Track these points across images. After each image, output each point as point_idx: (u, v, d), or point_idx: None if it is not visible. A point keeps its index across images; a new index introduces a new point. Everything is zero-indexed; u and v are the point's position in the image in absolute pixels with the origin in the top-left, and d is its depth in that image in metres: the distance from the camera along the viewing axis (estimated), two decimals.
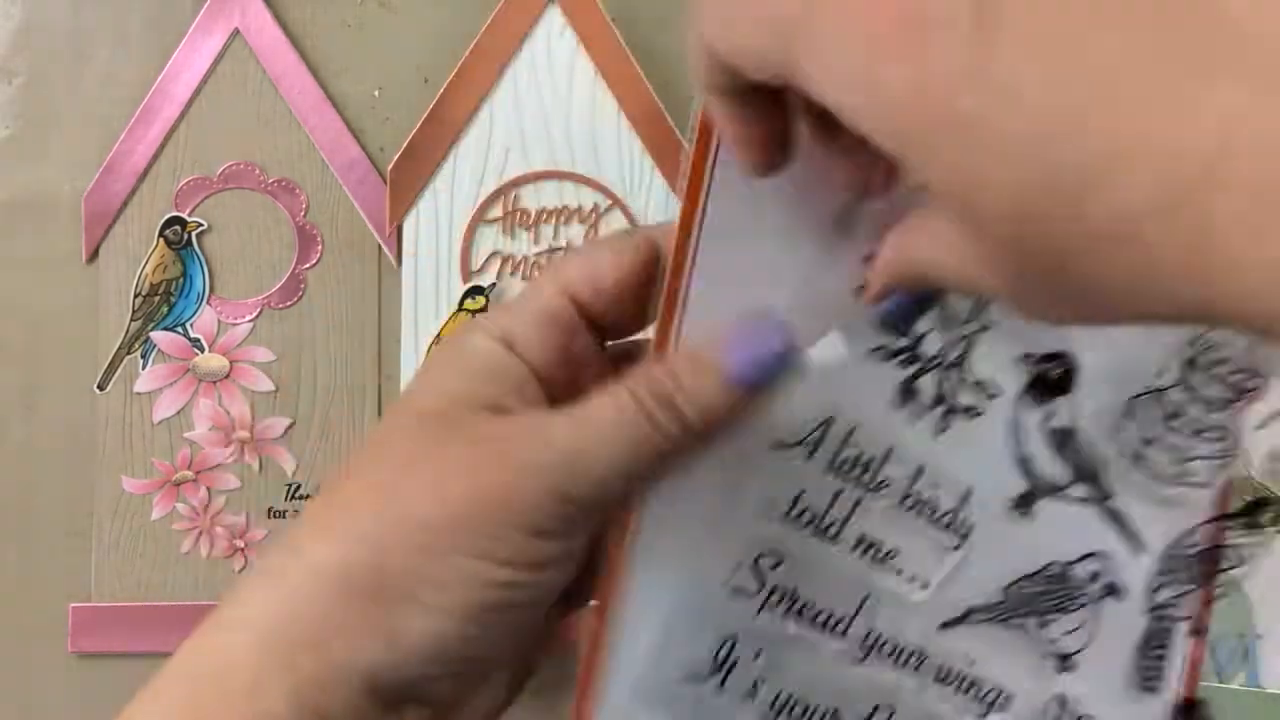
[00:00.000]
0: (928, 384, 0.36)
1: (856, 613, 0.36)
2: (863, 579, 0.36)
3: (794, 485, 0.35)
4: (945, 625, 0.37)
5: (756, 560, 0.35)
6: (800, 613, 0.36)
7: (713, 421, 0.30)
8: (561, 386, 0.32)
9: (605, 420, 0.30)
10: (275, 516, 0.56)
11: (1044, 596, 0.38)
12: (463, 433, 0.30)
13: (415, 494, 0.30)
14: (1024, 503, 0.37)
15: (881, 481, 0.36)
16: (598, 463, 0.30)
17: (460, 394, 0.31)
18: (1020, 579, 0.38)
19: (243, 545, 0.55)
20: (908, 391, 0.36)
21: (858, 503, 0.35)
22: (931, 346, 0.36)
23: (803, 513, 0.35)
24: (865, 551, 0.36)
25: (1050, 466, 0.37)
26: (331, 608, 0.29)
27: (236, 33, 0.56)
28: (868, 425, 0.35)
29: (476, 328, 0.33)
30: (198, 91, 0.56)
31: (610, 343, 0.35)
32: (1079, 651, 0.39)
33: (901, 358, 0.35)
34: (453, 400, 0.31)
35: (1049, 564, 0.38)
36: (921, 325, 0.35)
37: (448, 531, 0.29)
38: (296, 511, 0.56)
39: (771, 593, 0.35)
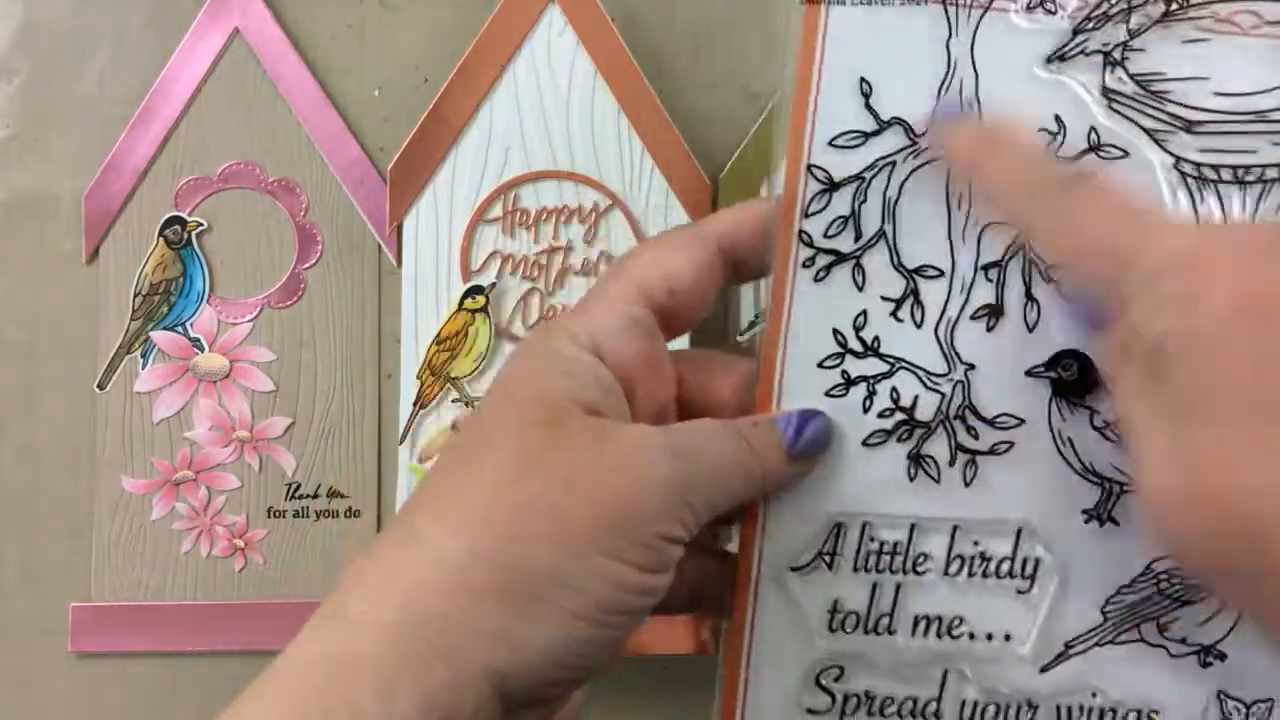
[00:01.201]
0: (939, 446, 0.35)
1: (941, 691, 0.36)
2: (937, 657, 0.36)
3: (825, 599, 0.35)
4: (1045, 668, 0.36)
5: (818, 679, 0.36)
6: (882, 712, 0.36)
7: (785, 476, 0.34)
8: (639, 389, 0.33)
9: (720, 441, 0.33)
10: (275, 516, 0.56)
11: (1150, 602, 0.36)
12: (581, 434, 0.31)
13: (552, 491, 0.30)
14: (1100, 511, 0.35)
15: (918, 558, 0.35)
16: (714, 479, 0.32)
17: (559, 396, 0.31)
18: (1117, 592, 0.36)
19: (243, 545, 0.55)
20: (917, 461, 0.36)
21: (899, 588, 0.35)
22: (927, 410, 0.35)
23: (844, 620, 0.36)
24: (928, 631, 0.36)
25: (1116, 461, 0.35)
26: (461, 607, 0.28)
27: (236, 32, 0.56)
28: (882, 512, 0.35)
29: (562, 333, 0.33)
30: (198, 91, 0.56)
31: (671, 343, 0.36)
32: (1223, 639, 0.36)
33: (899, 434, 0.35)
34: (553, 402, 0.31)
35: (1147, 566, 0.36)
36: (907, 390, 0.36)
37: (589, 529, 0.29)
38: (297, 512, 0.56)
39: (845, 702, 0.36)
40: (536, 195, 0.53)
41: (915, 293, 0.35)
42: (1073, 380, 0.35)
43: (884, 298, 0.36)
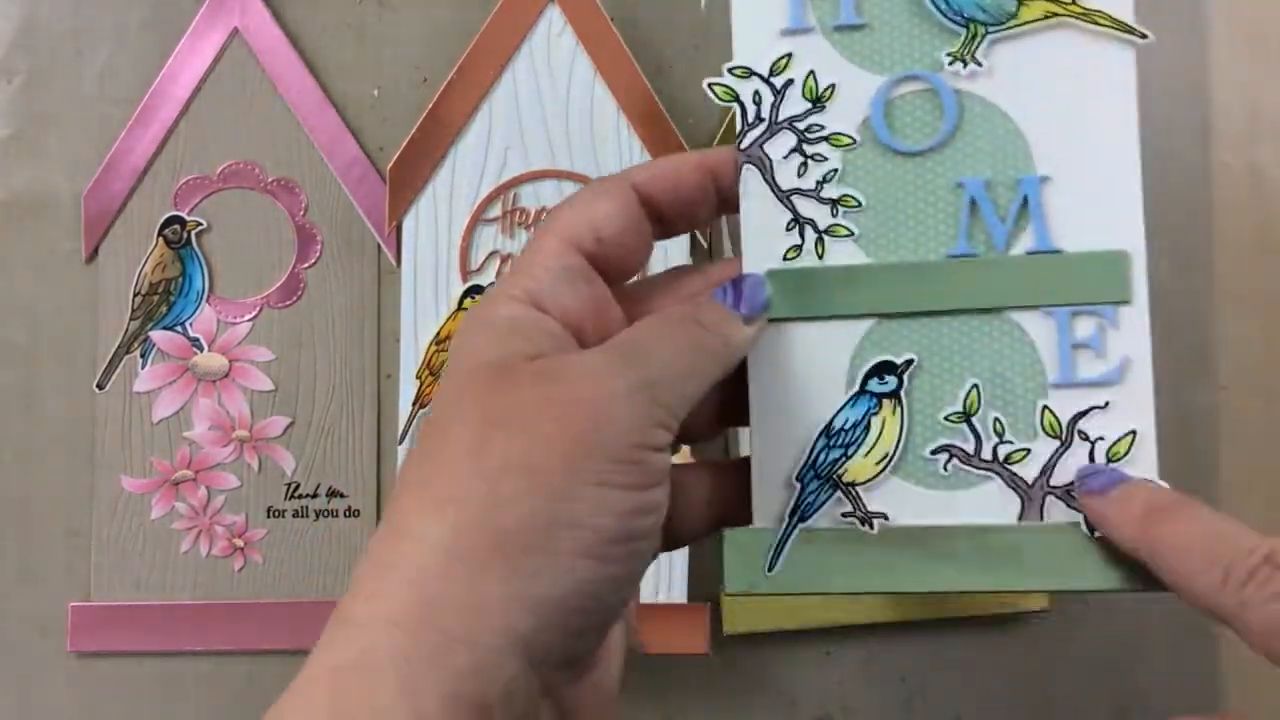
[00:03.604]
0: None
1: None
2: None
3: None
4: None
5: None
6: None
7: (743, 341, 0.34)
8: (590, 334, 0.33)
9: (667, 332, 0.32)
10: (274, 515, 0.56)
11: None
12: (533, 378, 0.30)
13: (515, 444, 0.29)
14: None
15: None
16: (672, 366, 0.31)
17: (507, 353, 0.31)
18: None
19: (242, 545, 0.55)
20: None
21: None
22: None
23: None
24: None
25: None
26: (468, 586, 0.28)
27: (236, 32, 0.56)
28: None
29: (501, 295, 0.33)
30: (197, 91, 0.56)
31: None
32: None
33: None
34: (501, 362, 0.31)
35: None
36: None
37: (563, 467, 0.29)
38: (296, 512, 0.56)
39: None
40: (536, 195, 0.53)
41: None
42: None
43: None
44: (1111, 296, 0.34)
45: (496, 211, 0.53)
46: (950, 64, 0.35)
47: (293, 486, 0.56)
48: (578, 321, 0.33)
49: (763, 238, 0.36)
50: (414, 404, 0.53)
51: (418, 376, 0.53)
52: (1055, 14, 0.34)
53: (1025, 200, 0.34)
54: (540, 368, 0.31)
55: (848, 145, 0.35)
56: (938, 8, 0.35)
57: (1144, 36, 0.34)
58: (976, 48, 0.35)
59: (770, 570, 0.35)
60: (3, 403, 0.56)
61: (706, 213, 0.37)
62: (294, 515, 0.56)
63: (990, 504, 0.34)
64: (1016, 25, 0.35)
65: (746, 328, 0.34)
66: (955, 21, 0.35)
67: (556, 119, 0.53)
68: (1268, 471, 0.56)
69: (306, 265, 0.56)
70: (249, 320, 0.56)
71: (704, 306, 0.34)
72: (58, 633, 0.55)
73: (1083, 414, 0.34)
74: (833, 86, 0.36)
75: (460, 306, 0.52)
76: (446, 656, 0.27)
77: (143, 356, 0.56)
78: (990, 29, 0.35)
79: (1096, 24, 0.34)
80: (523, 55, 0.53)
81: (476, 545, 0.28)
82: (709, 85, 0.36)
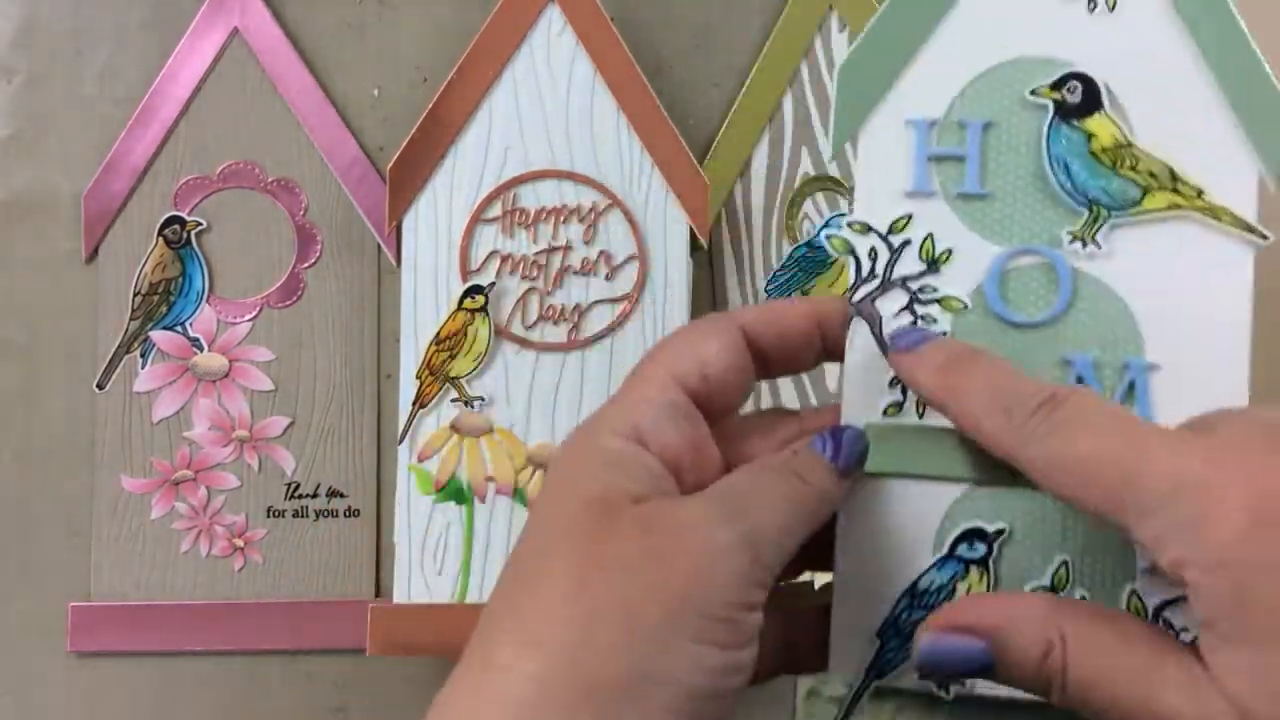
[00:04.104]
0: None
1: None
2: None
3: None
4: None
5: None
6: None
7: (839, 494, 0.34)
8: (688, 473, 0.33)
9: (767, 484, 0.32)
10: (274, 516, 0.56)
11: None
12: (633, 525, 0.30)
13: (615, 592, 0.29)
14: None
15: None
16: (774, 522, 0.31)
17: (604, 492, 0.31)
18: None
19: (242, 544, 0.55)
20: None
21: None
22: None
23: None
24: None
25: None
26: None
27: (236, 32, 0.56)
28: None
29: (603, 426, 0.33)
30: (197, 91, 0.56)
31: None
32: None
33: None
34: (602, 499, 0.31)
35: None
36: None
37: (661, 620, 0.28)
38: (296, 512, 0.56)
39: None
40: (535, 195, 0.53)
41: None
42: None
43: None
44: None
45: (496, 211, 0.53)
46: (1070, 242, 0.35)
47: (293, 486, 0.56)
48: (676, 459, 0.33)
49: (865, 391, 0.36)
50: (414, 404, 0.53)
51: (418, 376, 0.53)
52: (1179, 205, 0.35)
53: (1131, 385, 0.35)
54: (644, 514, 0.30)
55: (959, 310, 0.36)
56: (1062, 187, 0.35)
57: (1265, 238, 0.34)
58: (1098, 230, 0.35)
59: None
60: (3, 403, 0.56)
61: (810, 359, 0.37)
62: (294, 515, 0.56)
63: None
64: (1140, 212, 0.35)
65: (843, 480, 0.34)
66: (1078, 201, 0.35)
67: (556, 119, 0.53)
68: None
69: (306, 265, 0.56)
70: (249, 320, 0.56)
71: (803, 458, 0.33)
72: (58, 633, 0.55)
73: (1170, 602, 0.33)
74: (949, 251, 0.36)
75: (460, 306, 0.52)
76: None
77: (143, 356, 0.56)
78: (1114, 213, 0.35)
79: (1219, 220, 0.35)
80: (523, 55, 0.53)
81: (568, 693, 0.28)
82: (826, 238, 0.37)
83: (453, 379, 0.53)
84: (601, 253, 0.53)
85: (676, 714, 0.28)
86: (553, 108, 0.53)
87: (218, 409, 0.56)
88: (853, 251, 0.36)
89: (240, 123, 0.56)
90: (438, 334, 0.53)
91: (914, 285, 0.36)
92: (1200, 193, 0.35)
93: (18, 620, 0.56)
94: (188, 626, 0.55)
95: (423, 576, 0.52)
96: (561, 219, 0.53)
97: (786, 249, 0.56)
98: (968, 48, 0.36)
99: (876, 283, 0.36)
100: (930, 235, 0.36)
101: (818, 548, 0.35)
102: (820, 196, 0.56)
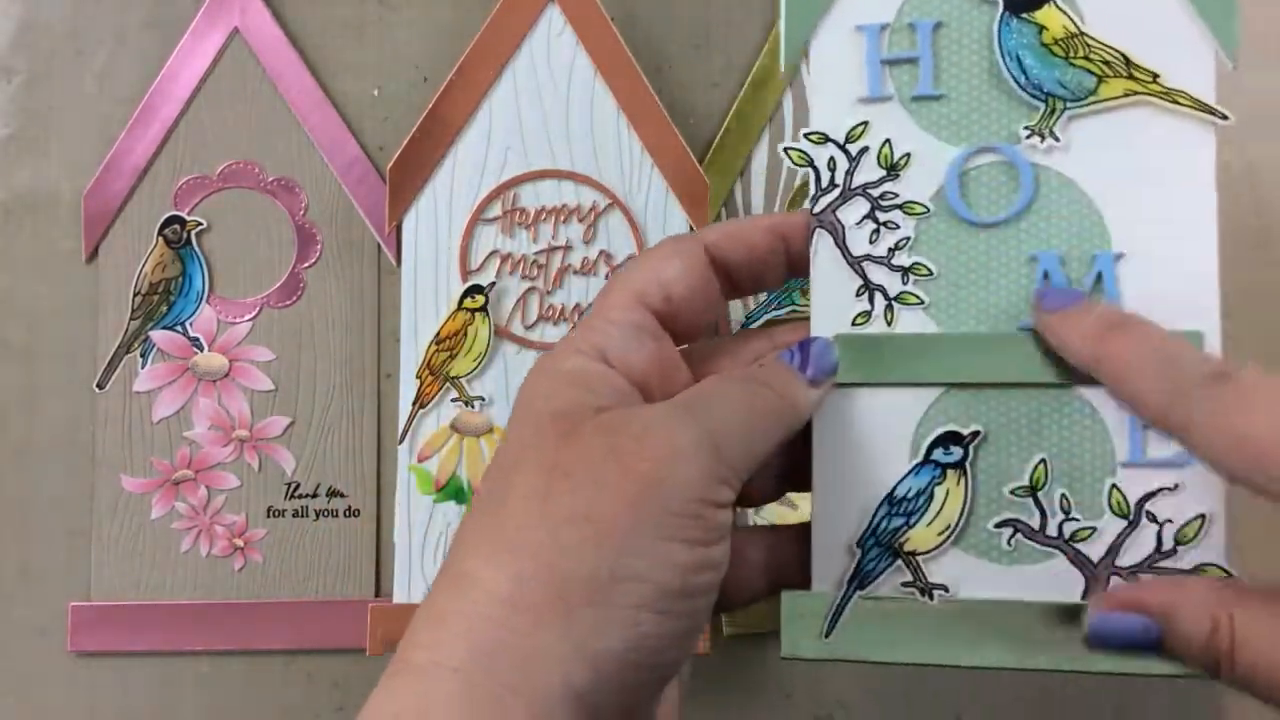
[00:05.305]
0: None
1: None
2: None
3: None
4: None
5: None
6: None
7: (809, 403, 0.35)
8: (655, 391, 0.34)
9: (733, 391, 0.32)
10: (275, 515, 0.56)
11: None
12: (598, 429, 0.30)
13: (580, 495, 0.29)
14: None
15: None
16: (737, 424, 0.31)
17: (573, 404, 0.31)
18: None
19: (242, 544, 0.55)
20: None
21: None
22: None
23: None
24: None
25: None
26: (525, 635, 0.28)
27: (236, 32, 0.56)
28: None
29: (568, 348, 0.33)
30: (197, 91, 0.56)
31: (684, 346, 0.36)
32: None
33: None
34: (566, 413, 0.31)
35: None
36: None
37: (628, 520, 0.29)
38: (296, 512, 0.56)
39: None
40: (536, 194, 0.53)
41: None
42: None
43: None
44: None
45: (496, 211, 0.53)
46: (1028, 137, 0.35)
47: (293, 486, 0.56)
48: (644, 378, 0.33)
49: (832, 302, 0.36)
50: (414, 404, 0.53)
51: (418, 376, 0.53)
52: (1135, 92, 0.35)
53: (1100, 276, 0.34)
54: (606, 420, 0.31)
55: (921, 214, 0.36)
56: (1017, 82, 0.35)
57: (1224, 117, 0.34)
58: (1055, 122, 0.35)
59: (827, 636, 0.35)
60: (3, 403, 0.56)
61: (776, 275, 0.37)
62: (294, 515, 0.56)
63: (1054, 581, 0.34)
64: (1096, 102, 0.35)
65: (812, 390, 0.34)
66: (1034, 96, 0.35)
67: (556, 119, 0.53)
68: None
69: (306, 265, 0.56)
70: (249, 320, 0.56)
71: (770, 368, 0.34)
72: (58, 633, 0.55)
73: (1151, 495, 0.34)
74: (908, 155, 0.36)
75: (460, 306, 0.52)
76: (502, 707, 0.27)
77: (143, 356, 0.56)
78: (1069, 105, 0.35)
79: (1177, 104, 0.34)
80: (523, 55, 0.53)
81: (537, 596, 0.28)
82: (784, 150, 0.36)
83: (453, 379, 0.53)
84: (601, 253, 0.53)
85: (647, 610, 0.28)
86: (553, 108, 0.53)
87: (218, 409, 0.56)
88: (811, 163, 0.36)
89: (240, 123, 0.56)
90: (438, 334, 0.53)
91: (874, 192, 0.36)
92: (1156, 77, 0.34)
93: (18, 620, 0.56)
94: (188, 626, 0.55)
95: (423, 576, 0.52)
96: (561, 219, 0.53)
97: None
98: None
99: (837, 192, 0.36)
100: (888, 140, 0.36)
101: (797, 469, 0.36)
102: None
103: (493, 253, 0.53)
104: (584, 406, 0.31)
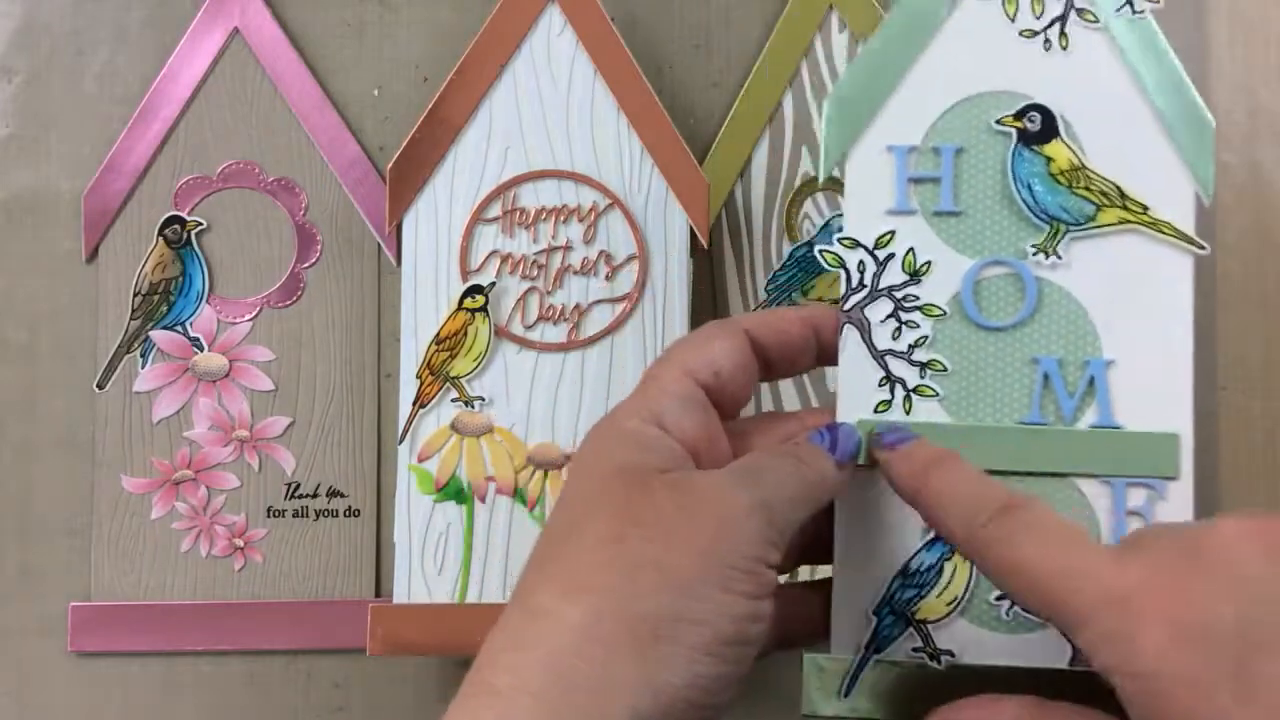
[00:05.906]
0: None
1: None
2: None
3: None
4: None
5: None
6: None
7: (837, 481, 0.38)
8: (704, 458, 0.37)
9: (778, 463, 0.36)
10: (275, 516, 0.56)
11: None
12: (663, 490, 0.34)
13: (653, 544, 0.32)
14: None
15: None
16: (786, 494, 0.35)
17: (634, 464, 0.35)
18: None
19: (242, 544, 0.55)
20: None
21: None
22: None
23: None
24: None
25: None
26: (599, 664, 0.30)
27: (236, 32, 0.56)
28: None
29: (628, 413, 0.37)
30: (197, 91, 0.56)
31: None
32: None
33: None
34: (632, 470, 0.34)
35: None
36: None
37: (695, 569, 0.32)
38: (296, 512, 0.56)
39: None
40: (536, 194, 0.53)
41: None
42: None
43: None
44: (1162, 472, 0.39)
45: (496, 211, 0.53)
46: (1034, 254, 0.40)
47: (293, 486, 0.56)
48: (694, 445, 0.37)
49: (857, 390, 0.40)
50: (414, 404, 0.53)
51: (418, 376, 0.53)
52: (1128, 220, 0.40)
53: (1092, 380, 0.39)
54: (673, 479, 0.34)
55: (939, 316, 0.40)
56: (1026, 205, 0.40)
57: (1202, 248, 0.39)
58: (1058, 242, 0.40)
59: (845, 695, 0.39)
60: (3, 403, 0.56)
61: (807, 361, 0.41)
62: (294, 515, 0.56)
63: (1046, 649, 0.38)
64: (1094, 226, 0.40)
65: (839, 471, 0.38)
66: (1041, 218, 0.40)
67: (556, 119, 0.53)
68: (1268, 472, 0.56)
69: (306, 265, 0.56)
70: (249, 320, 0.56)
71: (805, 447, 0.37)
72: (58, 633, 0.55)
73: None
74: (929, 263, 0.40)
75: (460, 306, 0.52)
76: None
77: (143, 356, 0.56)
78: (1071, 227, 0.40)
79: (1161, 232, 0.39)
80: (523, 55, 0.53)
81: (610, 630, 0.31)
82: (819, 252, 0.41)
83: (453, 379, 0.53)
84: (601, 252, 0.53)
85: (706, 653, 0.31)
86: (553, 108, 0.53)
87: (218, 409, 0.56)
88: (843, 265, 0.41)
89: (240, 123, 0.56)
90: (438, 334, 0.53)
91: (898, 294, 0.40)
92: (1145, 209, 0.39)
93: (18, 620, 0.56)
94: (188, 626, 0.55)
95: (423, 576, 0.52)
96: (561, 219, 0.53)
97: (786, 249, 0.56)
98: (940, 83, 0.41)
99: (865, 292, 0.40)
100: (911, 249, 0.40)
101: (812, 544, 0.40)
102: (820, 196, 0.56)
103: (493, 253, 0.53)
104: (646, 465, 0.35)
